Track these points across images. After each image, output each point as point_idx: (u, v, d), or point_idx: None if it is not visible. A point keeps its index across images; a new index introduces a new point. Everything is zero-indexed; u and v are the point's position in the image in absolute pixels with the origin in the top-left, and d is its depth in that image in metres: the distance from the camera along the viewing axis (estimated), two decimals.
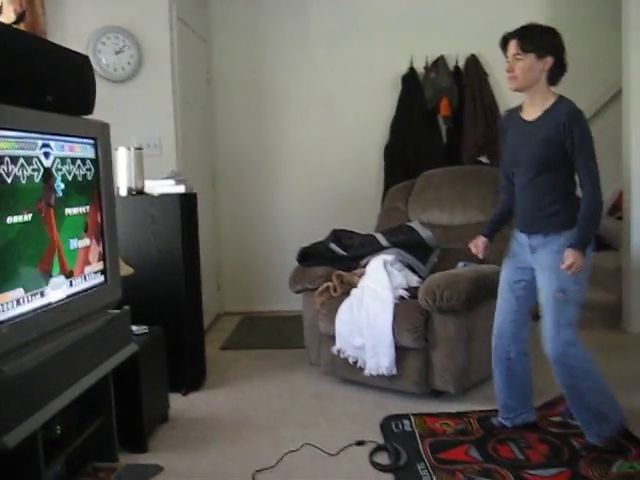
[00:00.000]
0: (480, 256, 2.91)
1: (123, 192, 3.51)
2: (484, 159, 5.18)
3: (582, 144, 2.56)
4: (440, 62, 5.23)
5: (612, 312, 4.64)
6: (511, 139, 2.77)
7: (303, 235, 4.81)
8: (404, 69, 5.29)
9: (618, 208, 5.09)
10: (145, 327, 3.10)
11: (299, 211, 5.51)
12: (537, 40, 2.59)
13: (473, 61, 5.21)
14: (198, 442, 2.98)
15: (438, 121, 5.32)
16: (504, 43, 2.67)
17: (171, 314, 3.47)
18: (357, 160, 5.45)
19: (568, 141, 2.56)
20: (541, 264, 2.69)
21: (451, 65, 5.25)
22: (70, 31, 4.12)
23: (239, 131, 5.49)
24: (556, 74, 2.64)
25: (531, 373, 2.93)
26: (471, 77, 5.21)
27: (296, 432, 3.05)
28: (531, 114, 2.69)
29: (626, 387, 3.18)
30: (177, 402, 3.41)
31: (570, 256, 2.55)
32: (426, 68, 5.28)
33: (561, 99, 2.64)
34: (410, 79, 5.30)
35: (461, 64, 5.25)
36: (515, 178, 2.77)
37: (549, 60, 2.59)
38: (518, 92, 2.68)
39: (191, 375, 3.63)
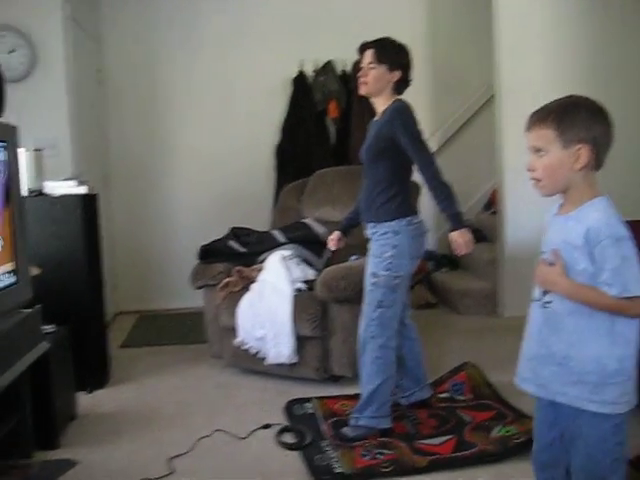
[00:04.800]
0: (332, 248, 3.20)
1: (23, 193, 3.51)
2: None
3: (407, 135, 2.77)
4: (328, 66, 5.50)
5: (488, 299, 5.06)
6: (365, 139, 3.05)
7: (196, 233, 4.95)
8: (294, 72, 5.52)
9: (492, 204, 5.54)
10: (52, 326, 3.14)
11: (192, 210, 5.62)
12: (392, 54, 2.88)
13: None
14: (110, 435, 3.07)
15: (327, 123, 5.59)
16: (362, 50, 2.93)
17: (74, 313, 3.50)
18: (249, 159, 5.62)
19: (395, 133, 2.78)
20: (372, 250, 2.93)
21: (339, 69, 5.53)
22: None
23: (131, 131, 5.53)
24: (401, 86, 2.93)
25: (420, 354, 3.18)
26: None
27: (204, 420, 3.19)
28: (377, 116, 2.97)
29: (500, 365, 3.54)
30: (83, 400, 3.46)
31: (455, 238, 2.73)
32: (315, 72, 5.53)
33: (396, 101, 2.89)
34: (300, 82, 5.54)
35: (348, 68, 5.53)
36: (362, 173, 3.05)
37: (397, 74, 2.87)
38: (366, 97, 2.95)
39: (95, 373, 3.68)
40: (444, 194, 2.76)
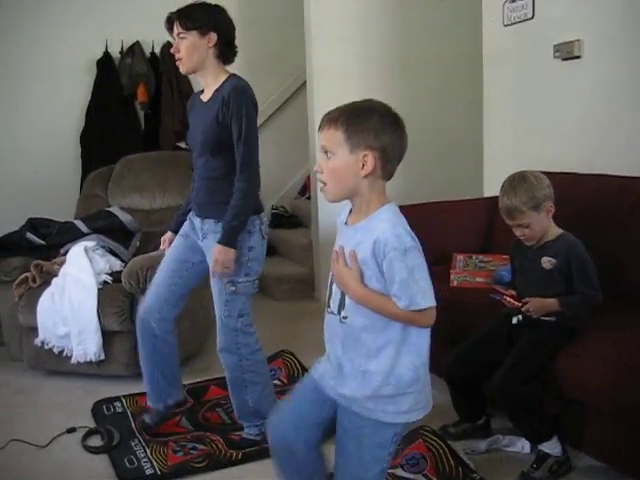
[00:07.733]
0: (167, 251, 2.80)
1: None
2: (183, 145, 5.31)
3: (242, 124, 2.46)
4: (136, 48, 5.23)
5: (306, 283, 5.08)
6: (191, 122, 2.68)
7: None
8: (99, 53, 5.19)
9: (307, 189, 5.58)
10: None
11: None
12: (199, 17, 2.52)
13: (169, 47, 5.26)
14: None
15: (135, 107, 5.34)
16: (170, 25, 2.58)
17: None
18: (52, 147, 5.21)
19: (228, 116, 2.47)
20: (211, 251, 2.54)
21: (147, 51, 5.28)
22: None
23: None
24: (226, 52, 2.59)
25: (177, 354, 2.88)
26: (167, 64, 5.27)
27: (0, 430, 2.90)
28: (206, 95, 2.61)
29: (316, 348, 3.55)
30: None
31: (218, 252, 2.47)
32: (122, 53, 5.25)
33: (231, 77, 2.58)
34: (105, 64, 5.22)
35: (157, 50, 5.31)
36: (194, 161, 2.68)
37: (213, 36, 2.53)
38: (189, 75, 2.65)
39: None
40: (242, 207, 2.48)
